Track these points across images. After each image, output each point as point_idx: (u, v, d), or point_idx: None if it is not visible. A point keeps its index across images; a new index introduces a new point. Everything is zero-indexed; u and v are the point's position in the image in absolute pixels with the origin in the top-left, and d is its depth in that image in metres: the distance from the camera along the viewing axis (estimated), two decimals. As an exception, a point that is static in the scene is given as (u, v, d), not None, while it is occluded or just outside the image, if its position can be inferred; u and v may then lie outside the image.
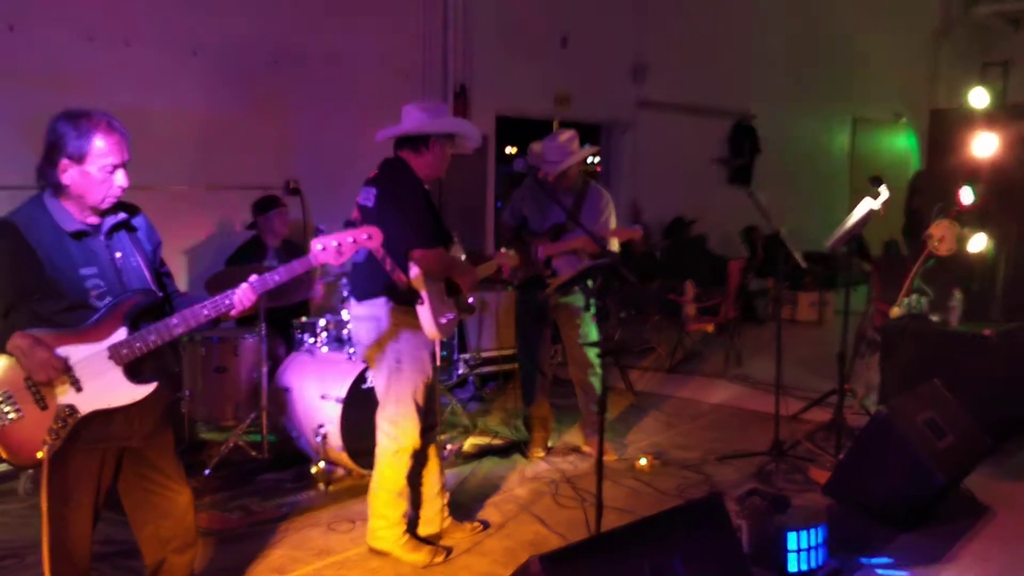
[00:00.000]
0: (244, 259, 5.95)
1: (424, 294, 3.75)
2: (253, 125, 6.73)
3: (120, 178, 2.79)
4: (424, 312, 3.77)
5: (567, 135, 5.20)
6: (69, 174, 2.73)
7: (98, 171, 2.74)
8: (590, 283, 4.74)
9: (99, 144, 2.73)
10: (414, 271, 3.77)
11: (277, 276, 2.91)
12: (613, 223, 5.28)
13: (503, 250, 4.45)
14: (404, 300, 3.80)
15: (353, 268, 4.03)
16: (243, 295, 2.87)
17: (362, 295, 3.95)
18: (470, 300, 4.14)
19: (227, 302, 2.86)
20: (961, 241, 5.87)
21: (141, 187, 2.95)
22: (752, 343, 8.48)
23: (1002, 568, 3.96)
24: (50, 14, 5.67)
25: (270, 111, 6.87)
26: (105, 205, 2.81)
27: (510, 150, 10.51)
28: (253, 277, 2.90)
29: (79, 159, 2.72)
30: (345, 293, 5.42)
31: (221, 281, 4.81)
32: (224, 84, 6.54)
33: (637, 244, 8.67)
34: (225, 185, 6.50)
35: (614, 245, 5.15)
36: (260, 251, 6.04)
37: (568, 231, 5.18)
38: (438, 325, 3.80)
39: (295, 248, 6.23)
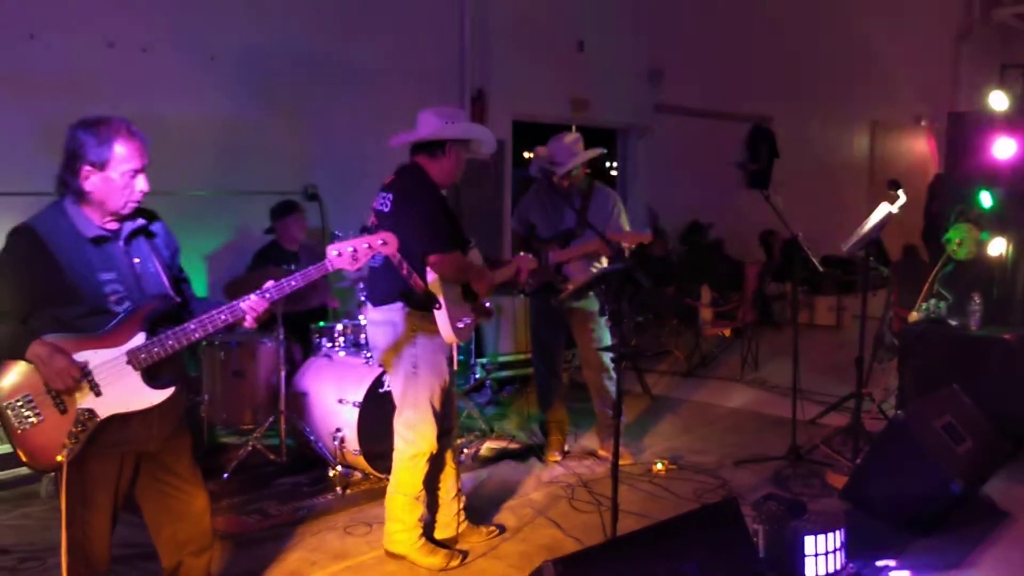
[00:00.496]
0: (263, 264, 5.99)
1: (441, 299, 3.77)
2: (271, 130, 6.78)
3: (141, 183, 2.82)
4: (441, 317, 3.78)
5: (572, 137, 5.21)
6: (91, 181, 2.76)
7: (119, 176, 2.77)
8: (604, 288, 4.74)
9: (120, 150, 2.76)
10: (431, 276, 3.79)
11: (293, 282, 2.93)
12: (625, 223, 5.28)
13: (521, 254, 4.46)
14: (421, 305, 3.82)
15: (370, 273, 4.05)
16: (250, 306, 2.88)
17: (379, 300, 3.97)
18: (487, 304, 4.15)
19: (242, 305, 2.88)
20: (980, 245, 5.83)
21: (160, 192, 2.98)
22: (769, 347, 8.44)
23: (1021, 574, 3.93)
24: (70, 22, 5.74)
25: (288, 116, 6.92)
26: (126, 210, 2.84)
27: (527, 155, 10.52)
28: (269, 283, 2.92)
29: (101, 166, 2.75)
30: (362, 298, 5.45)
31: (240, 286, 4.87)
32: (242, 90, 6.59)
33: (654, 248, 8.66)
34: (244, 190, 6.54)
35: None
36: (278, 256, 6.08)
37: (577, 236, 5.19)
38: (455, 329, 3.81)
39: (313, 253, 6.27)
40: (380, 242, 3.04)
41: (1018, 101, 6.20)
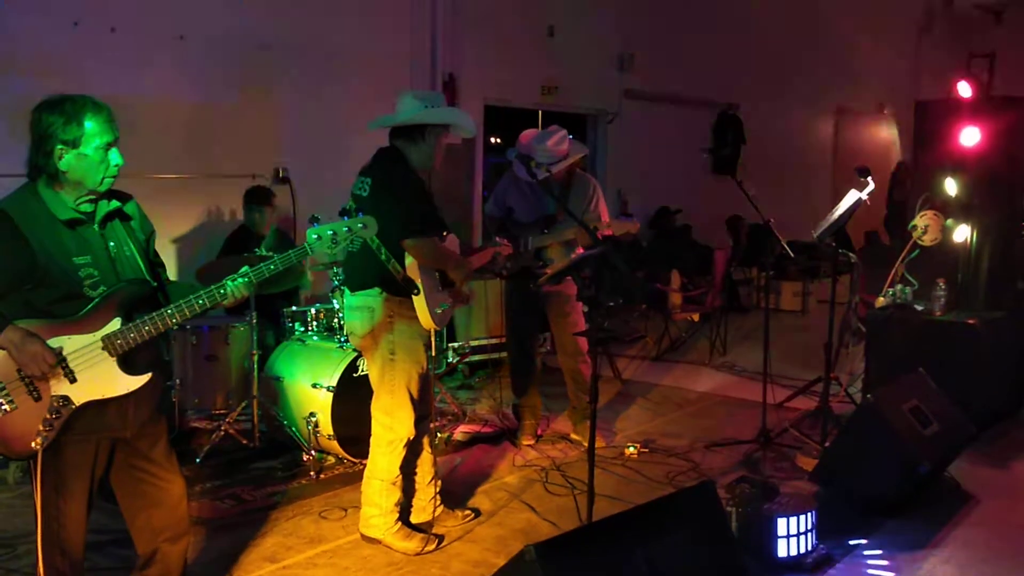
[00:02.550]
0: (236, 249, 5.93)
1: (419, 284, 3.76)
2: (242, 112, 6.71)
3: (115, 156, 2.78)
4: (419, 302, 3.78)
5: (557, 136, 5.11)
6: (66, 160, 2.70)
7: (94, 151, 2.72)
8: (581, 273, 4.76)
9: (90, 125, 2.71)
10: (409, 261, 3.78)
11: (272, 266, 2.89)
12: (604, 210, 5.30)
13: (497, 239, 4.46)
14: (399, 291, 3.81)
15: (347, 258, 4.02)
16: (235, 289, 2.85)
17: (356, 286, 3.95)
18: (464, 290, 4.15)
19: (222, 292, 2.85)
20: (945, 231, 5.93)
21: (129, 175, 2.92)
22: (736, 331, 8.54)
23: (986, 554, 4.02)
24: (36, 1, 5.62)
25: (259, 98, 6.84)
26: (104, 187, 2.79)
27: (495, 140, 10.50)
28: (246, 268, 2.88)
29: (74, 143, 2.70)
30: (336, 282, 5.43)
31: (214, 271, 4.81)
32: (212, 70, 6.51)
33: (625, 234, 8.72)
34: (214, 173, 6.47)
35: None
36: (250, 240, 6.02)
37: (559, 221, 5.19)
38: (433, 315, 3.81)
39: (284, 236, 6.23)
40: (360, 226, 3.02)
41: (983, 90, 6.30)
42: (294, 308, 5.65)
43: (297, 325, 5.55)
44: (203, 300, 2.83)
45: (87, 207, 2.81)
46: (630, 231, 5.27)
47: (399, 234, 3.74)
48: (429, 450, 4.17)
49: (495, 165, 9.29)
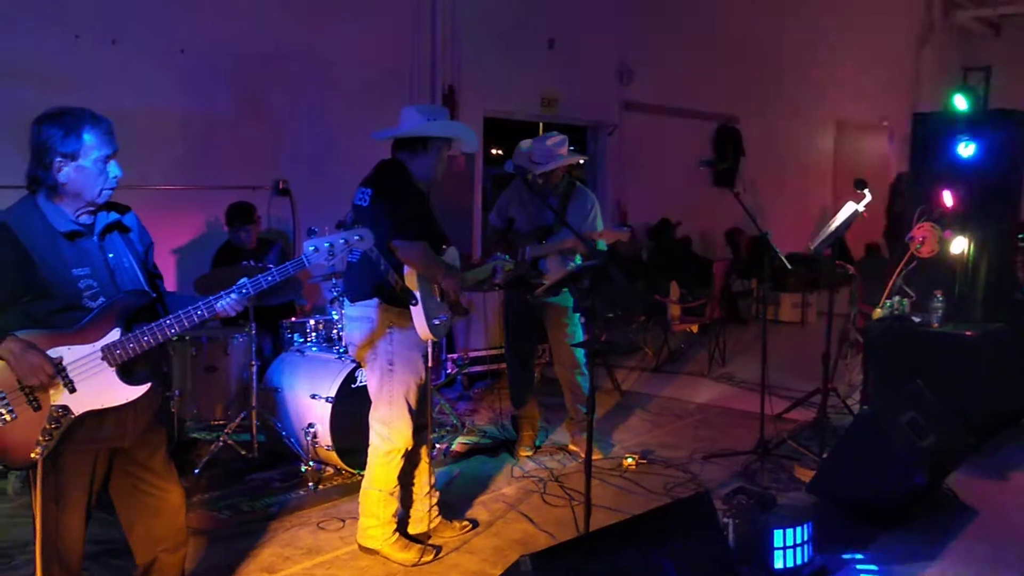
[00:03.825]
0: (225, 262, 5.92)
1: (417, 295, 3.78)
2: (241, 124, 6.74)
3: (114, 169, 2.80)
4: (417, 313, 3.79)
5: (556, 139, 5.23)
6: (65, 172, 2.73)
7: (92, 164, 2.74)
8: (579, 285, 4.77)
9: (89, 137, 2.73)
10: (407, 271, 3.79)
11: (270, 277, 2.91)
12: (600, 224, 5.33)
13: (499, 254, 4.48)
14: (397, 301, 3.82)
15: (347, 269, 4.04)
16: (232, 305, 2.86)
17: (355, 296, 3.96)
18: (463, 302, 4.17)
19: (220, 303, 2.87)
20: (943, 243, 5.95)
21: (128, 186, 2.95)
22: (735, 343, 8.55)
23: (983, 566, 4.02)
24: (37, 13, 5.66)
25: (259, 111, 6.87)
26: (103, 199, 2.81)
27: (495, 151, 10.53)
28: (244, 280, 2.90)
29: (72, 156, 2.72)
30: (334, 294, 5.44)
31: (211, 282, 4.83)
32: (212, 83, 6.54)
33: (623, 244, 8.74)
34: (214, 185, 6.49)
35: (602, 246, 5.20)
36: (237, 254, 6.02)
37: (555, 232, 5.22)
38: (431, 326, 3.82)
39: (270, 246, 6.24)
40: (357, 238, 3.03)
41: (981, 102, 6.33)
42: (293, 319, 5.66)
43: (296, 336, 5.57)
44: (202, 311, 2.84)
45: (86, 219, 2.83)
46: (621, 239, 5.31)
47: (389, 236, 3.75)
48: (427, 461, 4.18)
49: (495, 177, 9.31)
